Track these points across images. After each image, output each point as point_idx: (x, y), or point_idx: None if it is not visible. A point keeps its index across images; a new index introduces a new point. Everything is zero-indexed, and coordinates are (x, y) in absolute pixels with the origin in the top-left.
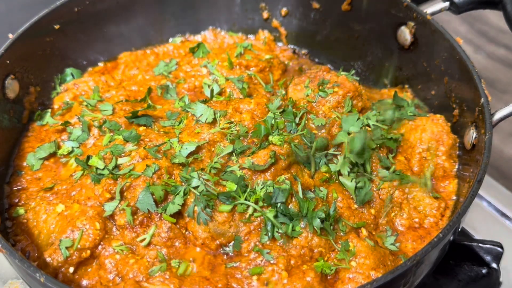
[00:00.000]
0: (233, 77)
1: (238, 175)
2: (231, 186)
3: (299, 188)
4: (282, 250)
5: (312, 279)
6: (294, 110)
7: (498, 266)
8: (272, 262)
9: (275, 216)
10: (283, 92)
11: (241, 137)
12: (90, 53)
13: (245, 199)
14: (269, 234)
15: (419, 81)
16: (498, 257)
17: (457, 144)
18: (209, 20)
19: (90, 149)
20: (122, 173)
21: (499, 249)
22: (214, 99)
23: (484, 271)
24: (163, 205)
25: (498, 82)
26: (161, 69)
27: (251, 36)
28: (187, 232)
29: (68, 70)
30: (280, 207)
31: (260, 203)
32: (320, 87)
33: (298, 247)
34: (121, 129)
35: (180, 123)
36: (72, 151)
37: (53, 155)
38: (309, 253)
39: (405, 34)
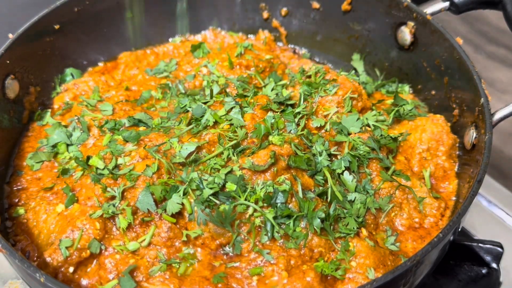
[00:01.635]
0: (233, 77)
1: (238, 175)
2: (231, 186)
3: (299, 188)
4: (282, 250)
5: (312, 279)
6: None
7: (498, 266)
8: (272, 262)
9: (275, 217)
10: None
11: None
12: (90, 53)
13: (245, 199)
14: (269, 234)
15: (419, 81)
16: (498, 257)
17: (457, 144)
18: (209, 20)
19: (90, 149)
20: (122, 173)
21: (499, 249)
22: (214, 99)
23: (484, 271)
24: (163, 204)
25: (498, 82)
26: (161, 69)
27: (251, 36)
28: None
29: (68, 70)
30: (280, 207)
31: (260, 203)
32: (320, 87)
33: (298, 247)
34: (121, 129)
35: (180, 123)
36: (72, 156)
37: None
38: (309, 253)
39: (405, 34)
